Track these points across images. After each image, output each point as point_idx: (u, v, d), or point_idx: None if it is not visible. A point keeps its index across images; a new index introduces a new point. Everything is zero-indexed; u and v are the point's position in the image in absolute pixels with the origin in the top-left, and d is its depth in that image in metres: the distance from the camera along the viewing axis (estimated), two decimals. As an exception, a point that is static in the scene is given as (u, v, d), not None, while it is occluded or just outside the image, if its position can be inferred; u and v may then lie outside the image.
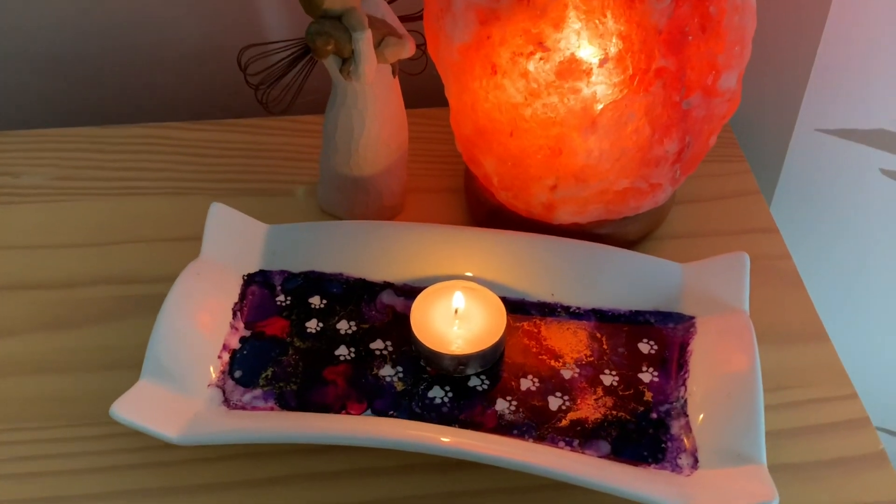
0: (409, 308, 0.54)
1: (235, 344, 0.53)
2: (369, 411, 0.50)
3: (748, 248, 0.56)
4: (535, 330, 0.54)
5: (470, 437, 0.48)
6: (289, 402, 0.51)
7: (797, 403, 0.53)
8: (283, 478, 0.49)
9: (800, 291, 0.60)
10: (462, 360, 0.51)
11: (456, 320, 0.53)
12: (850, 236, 0.80)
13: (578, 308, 0.55)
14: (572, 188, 0.53)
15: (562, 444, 0.49)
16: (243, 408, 0.50)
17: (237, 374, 0.52)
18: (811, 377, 0.55)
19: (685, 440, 0.49)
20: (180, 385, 0.49)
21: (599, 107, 0.50)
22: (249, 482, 0.49)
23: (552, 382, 0.52)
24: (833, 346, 0.56)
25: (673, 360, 0.53)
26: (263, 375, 0.52)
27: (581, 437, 0.49)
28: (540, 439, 0.49)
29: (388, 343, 0.54)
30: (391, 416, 0.50)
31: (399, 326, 0.54)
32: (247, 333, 0.54)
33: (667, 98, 0.50)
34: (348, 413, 0.50)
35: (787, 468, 0.50)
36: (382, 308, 0.55)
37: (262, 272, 0.57)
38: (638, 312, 0.55)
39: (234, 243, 0.56)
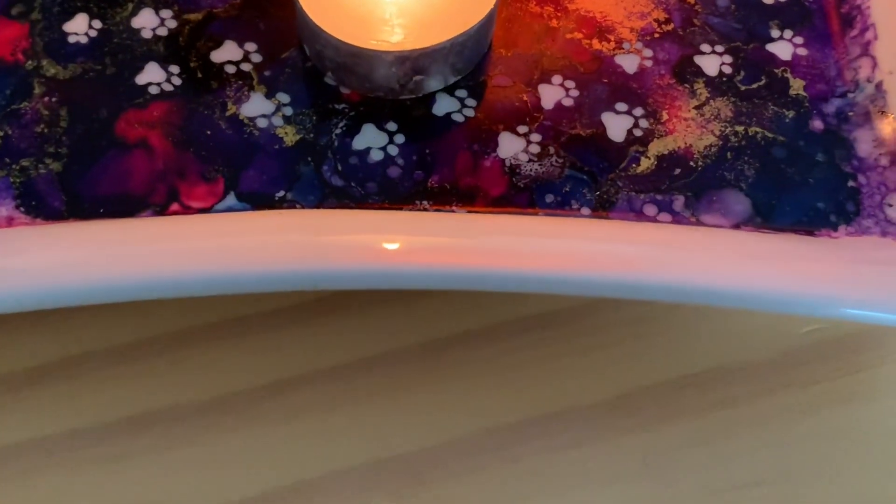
0: (282, -35, 0.25)
1: None
2: (231, 196, 0.23)
3: None
4: (550, -17, 0.27)
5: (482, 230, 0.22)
6: (49, 199, 0.23)
7: None
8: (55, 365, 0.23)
9: None
10: (416, 63, 0.23)
11: (391, -24, 0.24)
12: None
13: (627, -71, 0.27)
14: None
15: (650, 207, 0.23)
16: (-55, 229, 0.22)
17: (-77, 154, 0.23)
18: None
19: (890, 168, 0.24)
20: None
21: None
22: None
23: (604, 85, 0.25)
24: None
25: (829, 9, 0.27)
26: (-17, 150, 0.24)
27: (686, 189, 0.24)
28: (604, 206, 0.23)
29: (251, 46, 0.25)
30: (282, 202, 0.23)
31: (267, 8, 0.26)
32: (-65, 63, 0.25)
33: None
34: (185, 208, 0.23)
35: None
36: (226, -26, 0.26)
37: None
38: (741, -76, 0.28)
39: None
